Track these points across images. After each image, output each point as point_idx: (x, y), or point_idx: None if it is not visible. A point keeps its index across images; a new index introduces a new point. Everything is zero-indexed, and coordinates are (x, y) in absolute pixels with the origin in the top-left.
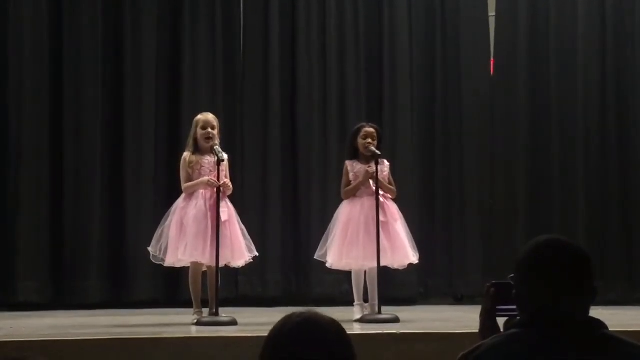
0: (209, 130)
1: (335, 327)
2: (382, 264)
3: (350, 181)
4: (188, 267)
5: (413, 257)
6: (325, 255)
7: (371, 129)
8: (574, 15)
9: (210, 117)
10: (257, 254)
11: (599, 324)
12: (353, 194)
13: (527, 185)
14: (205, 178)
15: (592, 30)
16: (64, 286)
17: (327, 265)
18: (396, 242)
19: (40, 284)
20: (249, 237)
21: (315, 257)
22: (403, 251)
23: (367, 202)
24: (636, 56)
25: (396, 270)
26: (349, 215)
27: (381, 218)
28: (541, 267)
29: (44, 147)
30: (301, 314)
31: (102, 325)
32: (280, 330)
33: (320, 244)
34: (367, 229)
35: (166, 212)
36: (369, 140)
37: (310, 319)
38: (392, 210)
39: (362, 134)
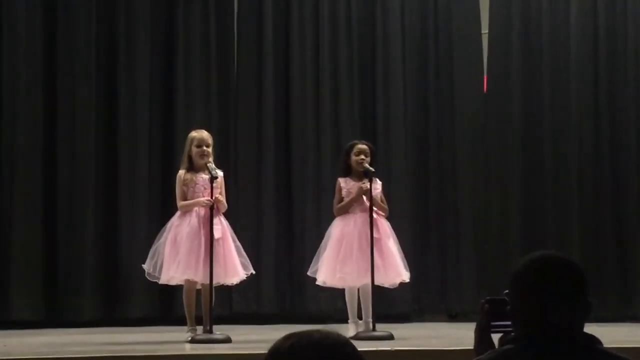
0: (204, 148)
1: (351, 349)
2: (375, 281)
3: (343, 198)
4: (182, 285)
5: (404, 276)
6: (317, 271)
7: (364, 146)
8: (567, 33)
9: (204, 134)
10: (254, 272)
11: (594, 340)
12: (346, 210)
13: (521, 202)
14: (201, 199)
15: (585, 48)
16: (57, 304)
17: (318, 282)
18: (388, 259)
19: (33, 302)
20: (244, 255)
21: (308, 274)
22: (395, 269)
23: (360, 219)
24: (628, 72)
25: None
26: (342, 232)
27: (374, 235)
28: (535, 282)
29: (37, 163)
30: (317, 332)
31: (96, 342)
32: (293, 346)
33: (314, 260)
34: (360, 246)
35: (160, 229)
36: (362, 156)
37: (327, 339)
38: (385, 227)
39: (355, 150)
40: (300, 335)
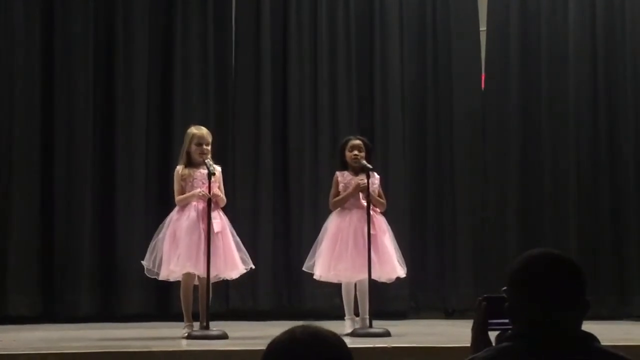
0: (204, 147)
1: (338, 342)
2: (371, 276)
3: (340, 192)
4: (180, 281)
5: (400, 271)
6: (313, 266)
7: (357, 141)
8: (565, 30)
9: (204, 132)
10: (253, 267)
11: (591, 338)
12: (341, 205)
13: (519, 199)
14: (196, 190)
15: (584, 45)
16: (54, 299)
17: (315, 277)
18: (384, 255)
19: (30, 297)
20: (244, 249)
21: (303, 269)
22: (390, 265)
23: (356, 215)
24: (627, 68)
25: (387, 284)
26: (337, 227)
27: (370, 231)
28: (533, 280)
29: (35, 159)
30: (305, 327)
31: (92, 338)
32: (282, 343)
33: (309, 255)
34: (356, 241)
35: (157, 224)
36: (356, 152)
37: (314, 333)
38: (381, 223)
39: (348, 146)
40: (287, 332)
